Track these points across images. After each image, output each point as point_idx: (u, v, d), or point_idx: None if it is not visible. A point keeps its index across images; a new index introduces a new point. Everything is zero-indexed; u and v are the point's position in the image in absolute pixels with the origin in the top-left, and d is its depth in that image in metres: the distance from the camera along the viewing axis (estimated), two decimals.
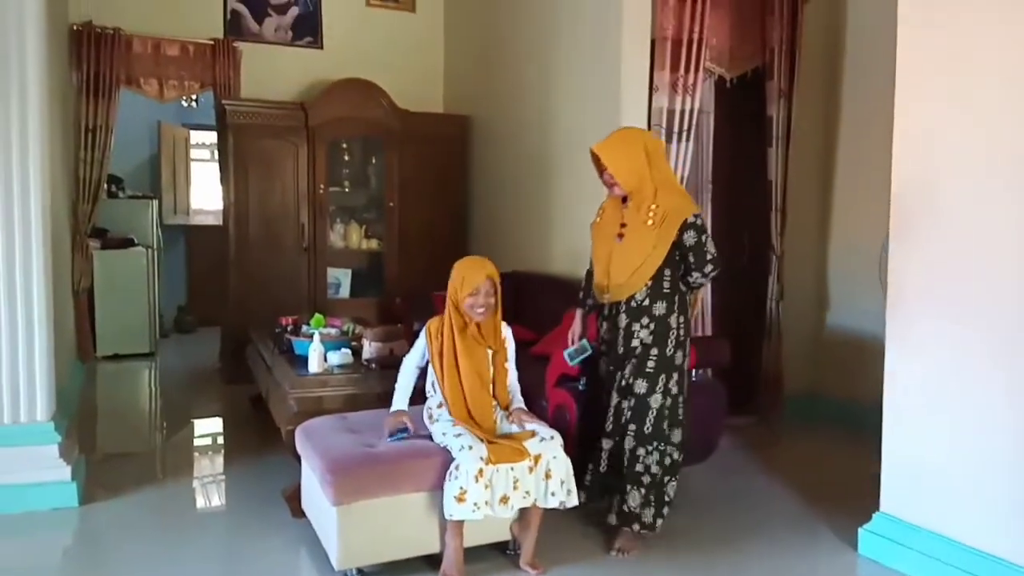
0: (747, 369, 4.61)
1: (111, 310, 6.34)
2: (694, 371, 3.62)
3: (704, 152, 4.46)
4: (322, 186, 5.84)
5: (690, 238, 2.94)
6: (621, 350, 3.03)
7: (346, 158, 6.26)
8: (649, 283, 2.96)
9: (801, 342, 4.85)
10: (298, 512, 3.18)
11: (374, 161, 6.31)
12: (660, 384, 2.98)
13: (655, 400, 2.98)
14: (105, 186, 5.78)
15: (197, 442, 4.69)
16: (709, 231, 3.06)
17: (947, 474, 2.76)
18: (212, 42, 5.87)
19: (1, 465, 3.30)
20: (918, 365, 2.85)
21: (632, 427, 2.99)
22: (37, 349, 3.38)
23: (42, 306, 3.38)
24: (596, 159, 3.04)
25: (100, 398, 5.64)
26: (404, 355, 3.46)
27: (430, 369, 2.94)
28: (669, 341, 2.98)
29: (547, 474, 2.72)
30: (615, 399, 3.05)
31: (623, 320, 3.02)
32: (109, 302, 6.32)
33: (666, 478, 3.03)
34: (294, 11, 6.21)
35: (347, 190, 6.26)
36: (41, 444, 3.38)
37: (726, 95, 4.53)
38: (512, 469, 2.66)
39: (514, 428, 2.84)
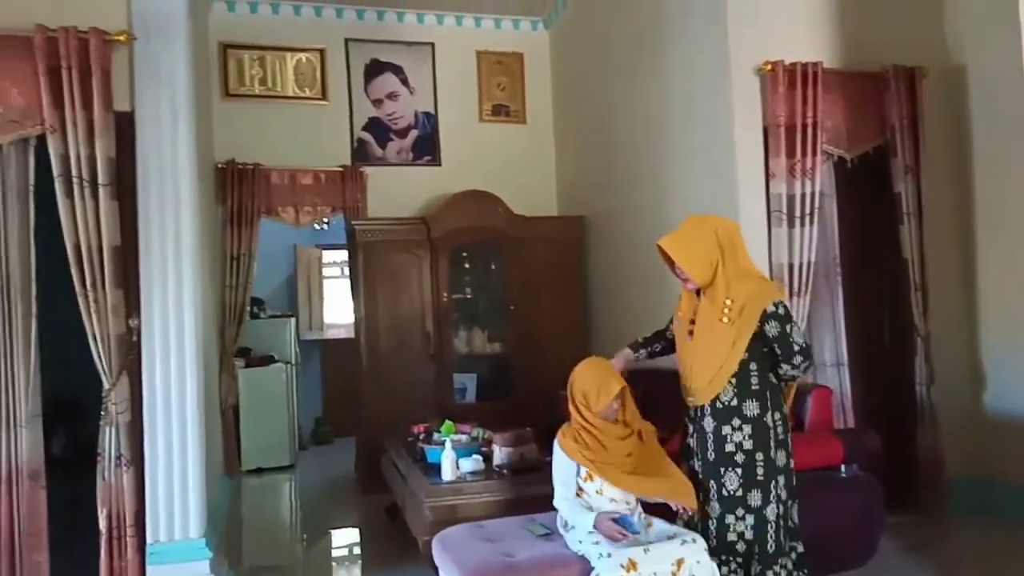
0: (901, 461, 4.27)
1: (254, 425, 6.64)
2: (843, 467, 3.40)
3: (829, 235, 4.32)
4: (445, 294, 6.02)
5: (772, 329, 2.71)
6: (713, 456, 2.78)
7: (467, 266, 6.45)
8: (734, 381, 2.73)
9: (959, 427, 4.46)
10: None
11: (493, 267, 6.47)
12: (772, 492, 2.72)
13: (771, 511, 2.72)
14: (248, 308, 6.17)
15: (336, 553, 4.76)
16: (795, 318, 2.80)
17: None
18: (341, 169, 6.30)
19: None
20: None
21: (756, 548, 2.72)
22: (191, 467, 3.57)
23: (195, 425, 3.59)
24: (664, 254, 2.86)
25: (245, 512, 5.84)
26: (535, 459, 3.45)
27: (560, 478, 2.88)
28: (771, 442, 2.73)
29: None
30: (717, 510, 2.78)
31: (710, 423, 2.79)
32: (253, 417, 6.63)
33: None
34: (414, 134, 6.61)
35: (469, 296, 6.43)
36: (194, 560, 3.53)
37: (848, 175, 4.41)
38: (655, 574, 2.54)
39: (650, 534, 2.75)
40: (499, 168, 6.58)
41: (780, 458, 2.77)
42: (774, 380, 2.79)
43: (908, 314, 4.41)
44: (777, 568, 2.74)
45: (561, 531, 2.86)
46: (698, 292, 2.85)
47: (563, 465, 2.88)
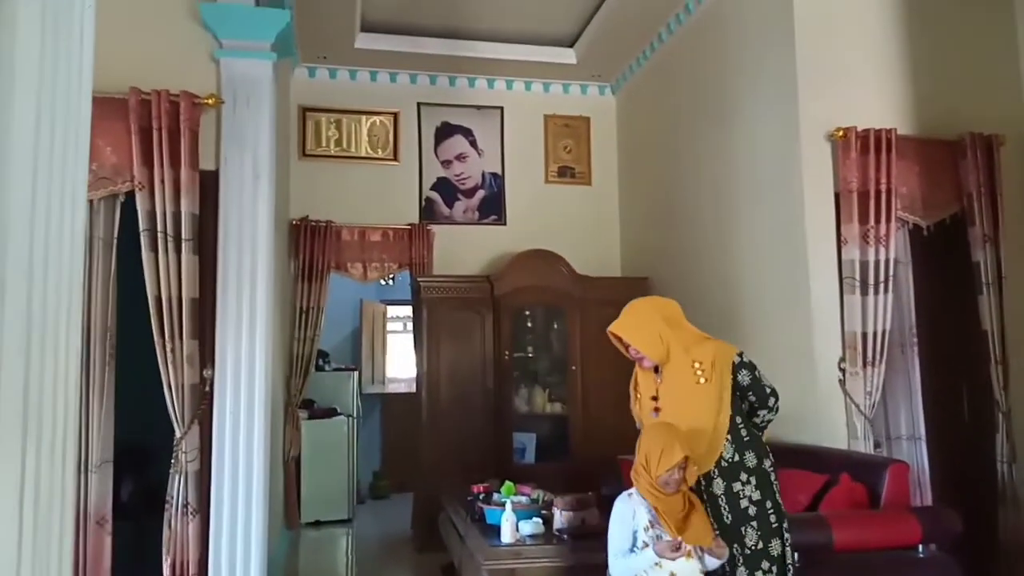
0: (982, 541, 4.05)
1: (315, 477, 6.68)
2: (920, 547, 3.24)
3: (905, 303, 4.20)
4: (507, 352, 6.03)
5: (745, 377, 2.83)
6: (730, 519, 2.76)
7: (529, 324, 6.47)
8: (729, 437, 2.80)
9: None
10: None
11: (556, 326, 6.47)
12: (787, 537, 2.78)
13: (788, 556, 2.76)
14: (315, 361, 6.29)
15: None
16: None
17: None
18: (409, 227, 6.45)
19: None
20: None
21: None
22: (254, 518, 3.62)
23: (261, 476, 3.65)
24: (616, 338, 2.98)
25: (302, 565, 5.85)
26: (596, 524, 3.38)
27: (615, 536, 2.80)
28: (773, 487, 2.80)
29: None
30: (744, 573, 2.73)
31: (720, 486, 2.78)
32: (314, 469, 6.67)
33: None
34: (481, 194, 6.74)
35: (531, 355, 6.42)
36: None
37: (923, 243, 4.31)
38: None
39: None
40: (563, 228, 6.63)
41: (782, 502, 2.83)
42: (755, 430, 2.90)
43: (988, 388, 4.22)
44: None
45: None
46: (655, 369, 2.94)
47: (620, 523, 2.78)
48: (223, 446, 3.64)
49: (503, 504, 3.71)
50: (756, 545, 2.74)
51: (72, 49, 1.29)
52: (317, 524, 6.68)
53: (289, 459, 6.09)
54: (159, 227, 3.66)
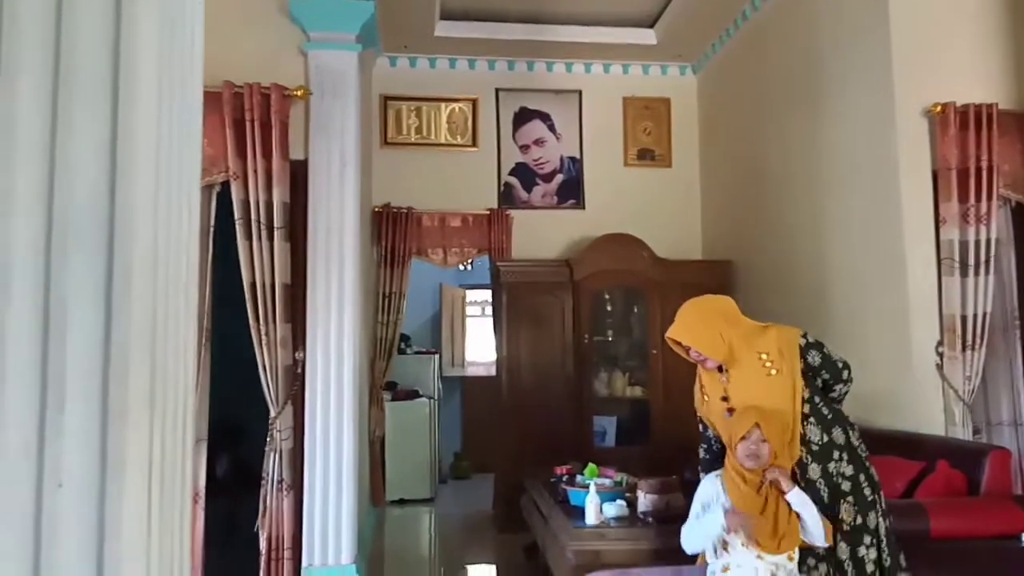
0: None
1: (399, 457, 6.85)
2: (1023, 536, 3.11)
3: (1007, 284, 4.02)
4: (586, 336, 6.04)
5: (815, 358, 2.76)
6: (828, 499, 2.69)
7: (608, 308, 6.45)
8: (812, 420, 2.74)
9: None
10: None
11: (636, 310, 6.43)
12: (878, 506, 2.71)
13: (883, 527, 2.70)
14: (397, 344, 6.43)
15: None
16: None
17: None
18: (488, 212, 6.50)
19: None
20: None
21: (887, 563, 2.68)
22: (345, 494, 3.75)
23: (350, 454, 3.77)
24: (676, 342, 2.90)
25: (387, 541, 6.02)
26: (680, 508, 3.36)
27: (702, 537, 2.77)
28: (863, 460, 2.76)
29: None
30: (847, 551, 2.68)
31: (815, 470, 2.72)
32: (397, 449, 6.84)
33: None
34: (559, 178, 6.73)
35: (610, 339, 6.41)
36: None
37: None
38: None
39: None
40: (643, 212, 6.56)
41: (874, 472, 2.77)
42: (835, 404, 2.84)
43: None
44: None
45: None
46: (719, 369, 2.86)
47: (701, 496, 2.76)
48: (315, 425, 3.77)
49: (587, 486, 3.73)
50: (855, 521, 2.69)
51: (184, 43, 1.35)
52: (401, 503, 6.85)
53: (374, 439, 6.26)
54: (252, 216, 3.79)
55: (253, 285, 3.79)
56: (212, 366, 3.85)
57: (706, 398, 2.96)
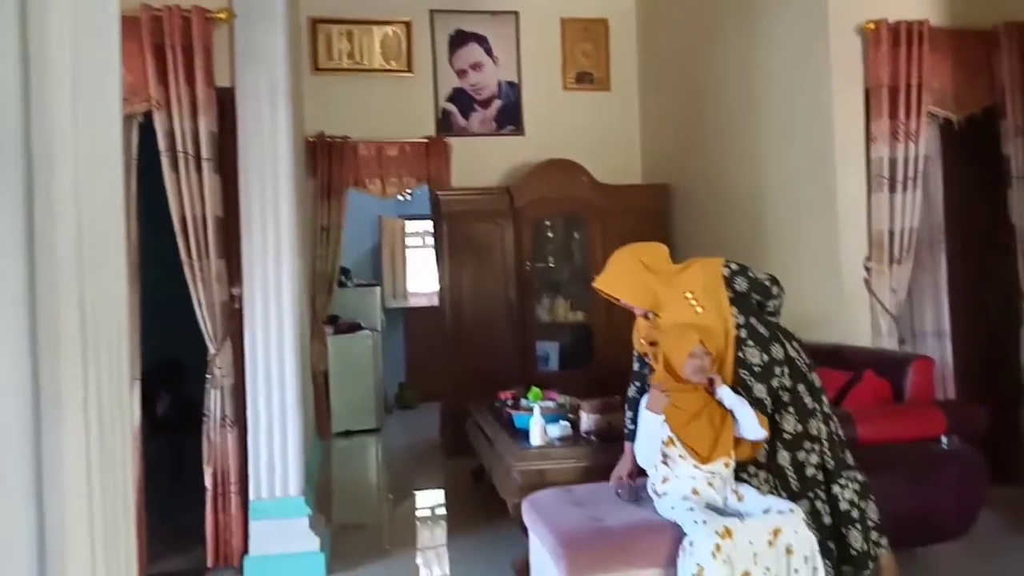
0: (1005, 434, 4.11)
1: (343, 390, 6.85)
2: (944, 439, 3.31)
3: (933, 200, 4.16)
4: (528, 263, 6.06)
5: (741, 284, 2.89)
6: (772, 412, 2.88)
7: (550, 235, 6.47)
8: (751, 342, 2.88)
9: None
10: None
11: (577, 236, 6.47)
12: (819, 412, 2.88)
13: (823, 431, 2.86)
14: (337, 277, 6.35)
15: (421, 513, 4.90)
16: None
17: None
18: (426, 140, 6.37)
19: (262, 536, 3.65)
20: None
21: (829, 465, 2.85)
22: (290, 429, 3.73)
23: (294, 389, 3.74)
24: (604, 293, 3.01)
25: (334, 472, 6.07)
26: (621, 426, 3.47)
27: (647, 442, 2.87)
28: (802, 368, 2.89)
29: (788, 550, 2.56)
30: (787, 457, 2.87)
31: (760, 390, 2.88)
32: (341, 382, 6.83)
33: (863, 503, 2.84)
34: (497, 103, 6.62)
35: (552, 265, 6.45)
36: (294, 517, 3.69)
37: (953, 138, 4.22)
38: (751, 543, 2.53)
39: (741, 507, 2.74)
40: (583, 137, 6.53)
41: (815, 379, 2.91)
42: (770, 319, 2.96)
43: (1014, 281, 4.21)
44: (843, 481, 2.83)
45: (652, 496, 2.87)
46: (647, 316, 2.99)
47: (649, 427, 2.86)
48: (256, 361, 3.72)
49: (531, 409, 3.80)
50: (795, 429, 2.85)
51: None
52: (347, 434, 6.89)
53: (318, 373, 6.23)
54: (179, 147, 3.64)
55: (183, 219, 3.66)
56: (149, 304, 3.74)
57: (642, 338, 3.08)
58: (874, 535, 2.83)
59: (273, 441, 3.73)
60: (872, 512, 2.86)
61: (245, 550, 3.67)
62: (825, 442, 2.87)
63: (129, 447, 1.33)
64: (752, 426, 2.76)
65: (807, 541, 2.58)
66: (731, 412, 2.78)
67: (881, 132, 3.93)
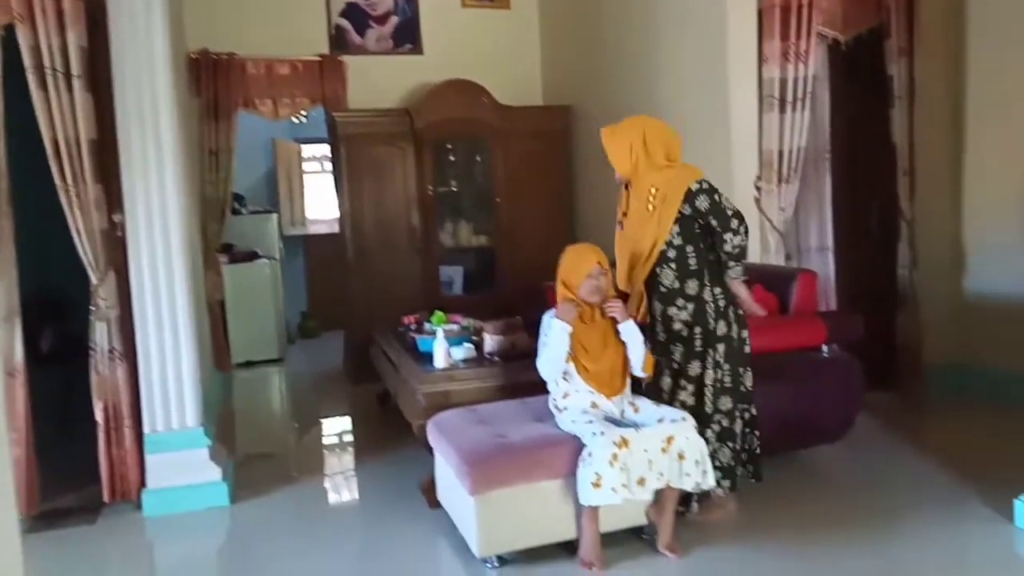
0: (882, 342, 4.40)
1: (242, 320, 6.67)
2: (824, 347, 3.50)
3: (820, 120, 4.29)
4: (430, 187, 5.97)
5: (703, 203, 2.91)
6: (663, 337, 3.00)
7: (452, 158, 6.37)
8: (673, 265, 2.95)
9: (939, 310, 4.58)
10: (434, 503, 3.26)
11: (479, 159, 6.39)
12: (710, 359, 2.97)
13: (708, 376, 2.97)
14: (230, 204, 6.09)
15: (328, 440, 4.89)
16: (720, 191, 2.93)
17: None
18: (319, 58, 6.09)
19: (160, 469, 3.56)
20: None
21: (697, 411, 2.94)
22: (184, 360, 3.60)
23: (186, 320, 3.60)
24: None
25: (237, 404, 5.96)
26: (525, 346, 3.52)
27: (551, 359, 2.92)
28: (709, 315, 2.96)
29: (680, 455, 2.69)
30: (668, 383, 3.03)
31: (657, 308, 3.02)
32: (240, 313, 6.64)
33: (718, 444, 3.00)
34: (394, 20, 6.36)
35: (455, 189, 6.38)
36: (193, 448, 3.61)
37: (840, 58, 4.34)
38: (646, 451, 2.64)
39: (637, 418, 2.85)
40: (483, 57, 6.38)
41: (720, 328, 2.97)
42: (711, 258, 2.99)
43: (894, 199, 4.43)
44: (714, 426, 2.98)
45: (553, 411, 2.94)
46: (626, 187, 3.06)
47: (546, 330, 2.90)
48: (143, 291, 3.55)
49: (434, 332, 3.80)
50: (681, 362, 2.98)
51: None
52: (249, 365, 6.74)
53: (213, 303, 6.04)
54: (46, 63, 3.35)
55: (55, 142, 3.39)
56: (26, 233, 3.50)
57: (620, 209, 3.13)
58: (718, 475, 2.92)
59: (167, 373, 3.61)
60: (724, 456, 3.00)
61: (143, 483, 3.58)
62: (709, 386, 2.98)
63: None
64: (638, 366, 2.90)
65: (697, 446, 2.71)
66: (626, 345, 2.87)
67: (773, 52, 4.00)
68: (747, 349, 3.05)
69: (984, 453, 3.63)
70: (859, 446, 3.76)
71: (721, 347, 2.98)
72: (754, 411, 3.09)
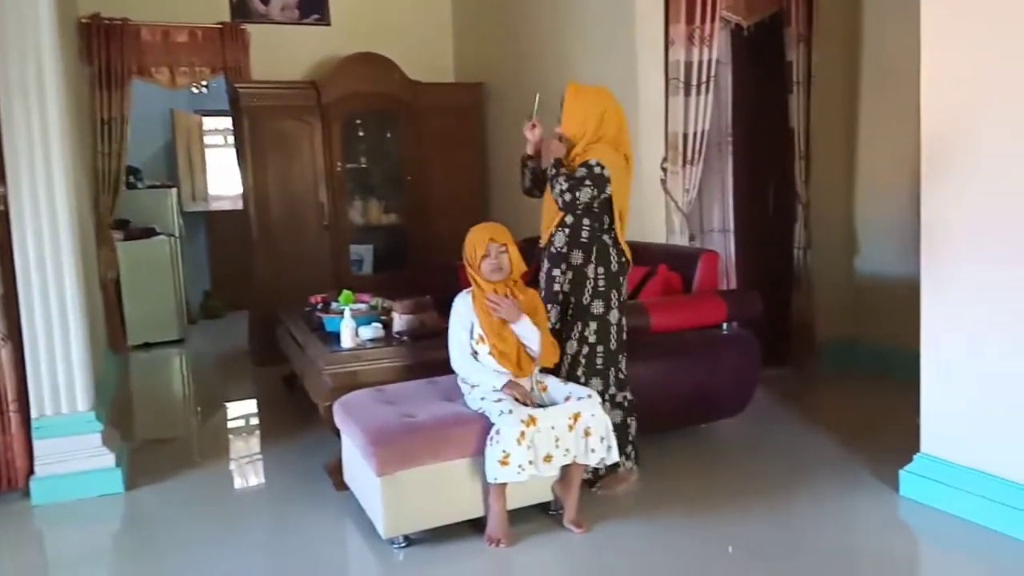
0: (778, 320, 4.58)
1: (139, 300, 6.39)
2: (724, 325, 3.62)
3: (723, 104, 4.40)
4: (339, 164, 5.84)
5: (580, 171, 3.00)
6: (543, 294, 3.12)
7: (361, 134, 6.25)
8: (567, 231, 3.06)
9: (832, 289, 4.80)
10: (341, 485, 3.22)
11: (389, 136, 6.29)
12: (576, 331, 3.07)
13: (570, 346, 3.08)
14: (124, 177, 5.81)
15: (233, 424, 4.75)
16: (605, 177, 2.97)
17: (990, 412, 2.74)
18: (220, 26, 5.84)
19: (49, 455, 3.38)
20: (955, 304, 2.82)
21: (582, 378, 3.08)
22: (73, 342, 3.42)
23: (75, 299, 3.42)
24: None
25: (135, 387, 5.72)
26: (434, 325, 3.50)
27: (455, 336, 2.94)
28: (586, 290, 3.06)
29: (586, 432, 2.73)
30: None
31: (544, 264, 3.16)
32: (136, 292, 6.37)
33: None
34: None
35: (364, 166, 6.26)
36: (84, 433, 3.44)
37: (743, 44, 4.46)
38: (553, 428, 2.68)
39: (546, 397, 2.88)
40: (393, 30, 6.26)
41: (596, 307, 3.07)
42: (606, 240, 3.08)
43: (791, 182, 4.61)
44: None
45: (462, 388, 2.94)
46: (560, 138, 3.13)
47: (459, 319, 2.92)
48: (28, 268, 3.34)
49: (342, 312, 3.73)
50: (555, 324, 3.10)
51: None
52: (147, 347, 6.48)
53: (107, 282, 5.77)
54: None
55: None
56: None
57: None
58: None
59: (55, 355, 3.42)
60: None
61: (31, 471, 3.40)
62: (579, 360, 3.06)
63: None
64: (538, 359, 2.92)
65: (603, 422, 2.76)
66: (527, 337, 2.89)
67: (679, 36, 4.07)
68: (624, 336, 3.13)
69: (873, 426, 3.84)
70: (758, 420, 3.92)
71: (593, 325, 3.06)
72: (631, 397, 3.15)
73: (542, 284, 3.15)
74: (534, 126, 3.20)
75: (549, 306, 3.08)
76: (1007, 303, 2.65)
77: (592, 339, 3.05)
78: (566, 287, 3.08)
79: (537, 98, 3.18)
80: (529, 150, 3.24)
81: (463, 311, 2.92)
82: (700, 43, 4.08)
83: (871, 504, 3.03)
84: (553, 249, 3.10)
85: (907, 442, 3.05)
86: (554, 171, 3.02)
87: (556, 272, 3.10)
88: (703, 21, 4.08)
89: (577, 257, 3.06)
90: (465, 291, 2.96)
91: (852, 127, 4.82)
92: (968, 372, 2.81)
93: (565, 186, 2.97)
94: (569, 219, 3.06)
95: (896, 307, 4.27)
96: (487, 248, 2.85)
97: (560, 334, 3.08)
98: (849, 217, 4.87)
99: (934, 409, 2.95)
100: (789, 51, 4.46)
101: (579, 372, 3.05)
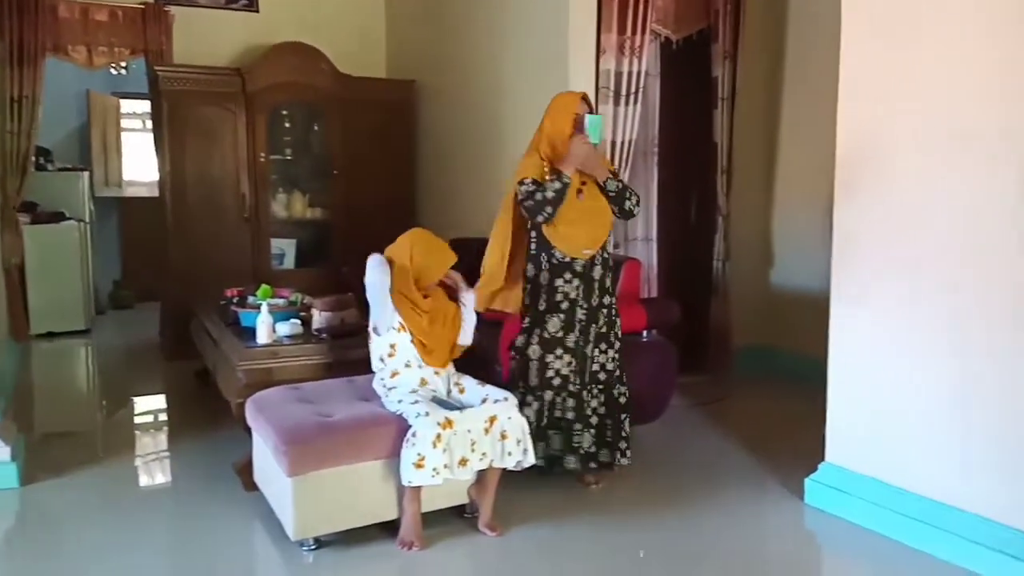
0: (697, 328, 4.68)
1: (44, 287, 6.10)
2: (644, 332, 3.67)
3: (650, 115, 4.48)
4: (263, 154, 5.69)
5: (615, 182, 3.16)
6: (597, 302, 3.19)
7: (287, 125, 6.10)
8: (534, 239, 3.18)
9: (748, 299, 4.95)
10: (250, 485, 3.13)
11: (316, 128, 6.17)
12: (526, 338, 3.20)
13: (519, 342, 3.22)
14: (33, 158, 5.53)
15: (140, 420, 4.58)
16: (531, 192, 3.03)
17: (891, 424, 2.85)
18: (142, 6, 5.62)
19: None
20: (862, 318, 2.93)
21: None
22: None
23: None
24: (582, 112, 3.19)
25: (36, 377, 5.44)
26: (355, 323, 3.46)
27: (377, 343, 2.90)
28: (541, 294, 3.14)
29: (503, 435, 2.73)
30: (599, 347, 3.22)
31: (599, 272, 3.22)
32: (41, 278, 6.08)
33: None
34: None
35: (289, 158, 6.11)
36: None
37: (672, 57, 4.55)
38: (469, 431, 2.66)
39: (463, 399, 2.88)
40: (324, 20, 6.15)
41: (545, 312, 3.17)
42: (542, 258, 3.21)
43: (713, 194, 4.72)
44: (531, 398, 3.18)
45: (379, 391, 2.90)
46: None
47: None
48: None
49: (258, 306, 3.63)
50: (603, 328, 3.21)
51: None
52: (51, 336, 6.18)
53: (11, 267, 5.48)
54: None
55: None
56: None
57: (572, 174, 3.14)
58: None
59: None
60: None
61: None
62: (530, 357, 3.14)
63: None
64: (468, 334, 2.98)
65: (519, 425, 2.77)
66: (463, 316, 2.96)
67: (610, 45, 4.11)
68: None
69: (782, 433, 3.96)
70: (673, 426, 3.99)
71: (540, 328, 3.13)
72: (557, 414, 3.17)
73: (594, 292, 3.15)
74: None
75: (603, 312, 3.19)
76: (908, 318, 2.77)
77: (536, 345, 3.15)
78: (527, 300, 3.21)
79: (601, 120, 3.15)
80: (576, 165, 3.05)
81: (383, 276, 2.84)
82: (631, 54, 4.14)
83: (776, 512, 3.13)
84: (607, 255, 3.21)
85: (814, 450, 3.15)
86: (620, 184, 3.15)
87: (530, 268, 3.20)
88: (634, 32, 4.13)
89: (530, 270, 3.21)
90: (380, 259, 2.89)
91: (772, 143, 4.98)
92: (869, 384, 2.92)
93: (635, 199, 3.19)
94: (533, 234, 3.19)
95: (808, 317, 4.42)
96: (441, 279, 2.94)
97: (617, 333, 3.23)
98: (766, 231, 5.03)
99: (838, 419, 3.05)
100: (715, 67, 4.57)
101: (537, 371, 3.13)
